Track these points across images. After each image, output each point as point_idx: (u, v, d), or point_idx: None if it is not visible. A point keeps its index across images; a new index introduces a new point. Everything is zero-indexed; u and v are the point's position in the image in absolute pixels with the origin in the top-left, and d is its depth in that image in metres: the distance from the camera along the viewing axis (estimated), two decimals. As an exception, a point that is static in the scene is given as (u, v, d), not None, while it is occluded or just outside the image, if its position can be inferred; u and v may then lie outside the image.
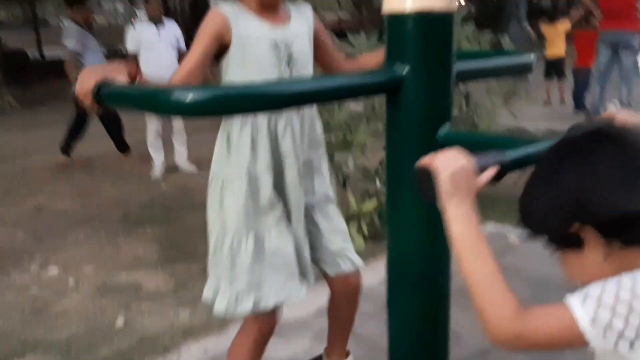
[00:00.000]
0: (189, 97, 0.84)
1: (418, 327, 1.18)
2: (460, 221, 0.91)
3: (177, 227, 4.32)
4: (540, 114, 7.35)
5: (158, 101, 0.87)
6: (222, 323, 2.88)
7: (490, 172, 0.94)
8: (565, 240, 0.89)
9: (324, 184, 1.62)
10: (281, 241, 1.50)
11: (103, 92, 0.99)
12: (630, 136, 0.89)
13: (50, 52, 17.43)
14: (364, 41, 3.72)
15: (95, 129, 6.61)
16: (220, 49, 1.43)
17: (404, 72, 0.98)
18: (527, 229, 0.94)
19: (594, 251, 0.88)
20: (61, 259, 3.90)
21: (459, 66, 1.10)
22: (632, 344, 0.81)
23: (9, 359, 2.71)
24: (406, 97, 0.99)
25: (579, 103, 7.21)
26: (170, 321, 2.95)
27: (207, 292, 1.60)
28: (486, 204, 4.36)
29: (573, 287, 0.91)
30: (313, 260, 1.64)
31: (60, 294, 3.39)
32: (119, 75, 1.05)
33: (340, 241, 1.62)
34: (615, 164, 0.86)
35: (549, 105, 7.95)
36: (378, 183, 3.52)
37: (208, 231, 1.64)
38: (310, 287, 1.66)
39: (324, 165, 1.63)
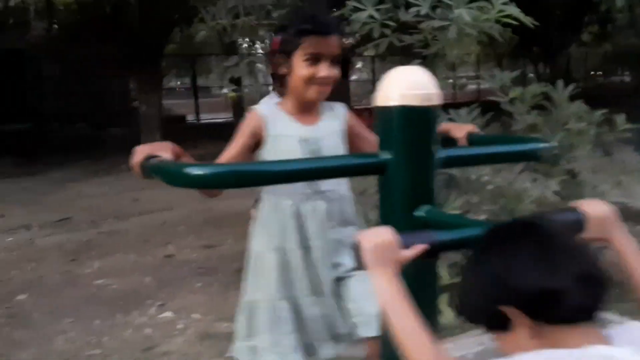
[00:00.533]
0: (198, 171, 1.08)
1: None
2: (383, 287, 1.02)
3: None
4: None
5: (176, 174, 1.12)
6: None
7: (415, 250, 1.04)
8: (494, 323, 0.97)
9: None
10: (312, 311, 1.65)
11: (144, 165, 1.26)
12: (549, 227, 0.98)
13: (206, 117, 19.33)
14: (465, 115, 3.82)
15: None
16: (257, 144, 1.67)
17: (389, 157, 1.14)
18: (462, 315, 1.03)
19: (521, 331, 0.95)
20: (176, 305, 4.32)
21: (452, 152, 1.22)
22: None
23: (114, 388, 3.08)
24: (390, 179, 1.14)
25: None
26: None
27: (235, 352, 1.76)
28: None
29: None
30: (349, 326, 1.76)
31: (168, 336, 3.77)
32: (164, 152, 1.32)
33: (372, 305, 1.73)
34: (532, 249, 0.95)
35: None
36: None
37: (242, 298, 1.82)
38: (343, 351, 1.78)
39: None
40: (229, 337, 3.66)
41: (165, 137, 12.42)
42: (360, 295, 1.71)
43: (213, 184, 1.09)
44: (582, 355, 0.90)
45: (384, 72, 1.19)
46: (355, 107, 7.74)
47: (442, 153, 1.18)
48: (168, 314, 4.15)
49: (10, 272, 5.33)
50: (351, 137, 1.75)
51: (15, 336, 3.89)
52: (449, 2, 3.56)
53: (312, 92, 1.63)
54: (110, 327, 3.97)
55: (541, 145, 1.49)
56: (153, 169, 1.24)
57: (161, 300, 4.42)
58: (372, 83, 23.67)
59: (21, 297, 4.66)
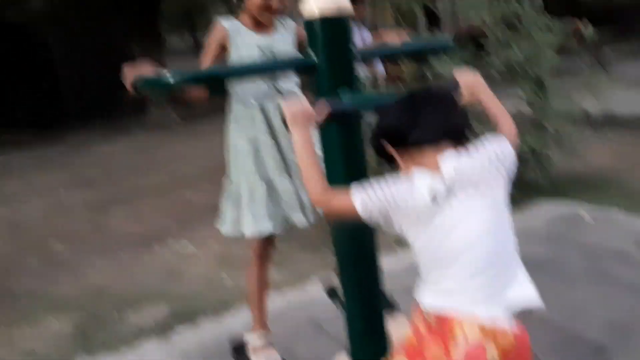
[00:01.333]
0: (174, 78, 1.44)
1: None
2: (297, 140, 1.36)
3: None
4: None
5: (158, 84, 1.48)
6: (302, 280, 3.50)
7: (323, 113, 1.38)
8: (384, 155, 1.35)
9: None
10: (284, 186, 2.02)
11: (135, 85, 1.61)
12: (422, 91, 1.34)
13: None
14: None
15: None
16: (223, 51, 2.01)
17: (316, 60, 1.48)
18: (375, 151, 1.39)
19: (399, 158, 1.33)
20: (196, 238, 4.77)
21: (368, 50, 1.57)
22: (386, 221, 1.25)
23: (147, 303, 3.55)
24: (319, 74, 1.49)
25: None
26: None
27: (218, 225, 2.15)
28: (564, 187, 4.51)
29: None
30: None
31: (189, 263, 4.24)
32: (146, 70, 1.66)
33: None
34: (403, 103, 1.32)
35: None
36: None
37: (227, 179, 2.18)
38: (311, 222, 2.15)
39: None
40: (242, 259, 4.13)
41: (173, 98, 12.81)
42: None
43: (186, 83, 1.47)
44: (415, 191, 1.27)
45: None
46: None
47: (359, 51, 1.52)
48: (188, 245, 4.60)
49: (44, 226, 5.83)
50: (300, 46, 2.08)
51: (54, 275, 4.38)
52: None
53: (264, 18, 1.99)
54: (137, 259, 4.44)
55: (444, 42, 1.85)
56: (142, 86, 1.59)
57: (182, 235, 4.88)
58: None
59: (55, 244, 5.15)
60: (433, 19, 5.60)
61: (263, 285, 2.17)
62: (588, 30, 5.69)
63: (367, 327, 1.70)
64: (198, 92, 1.93)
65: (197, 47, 21.23)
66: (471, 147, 1.35)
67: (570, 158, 4.37)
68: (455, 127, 1.35)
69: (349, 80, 1.48)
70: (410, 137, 1.30)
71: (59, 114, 14.17)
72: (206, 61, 2.02)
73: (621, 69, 10.43)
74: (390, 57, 2.14)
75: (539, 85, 4.08)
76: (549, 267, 3.18)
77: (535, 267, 3.07)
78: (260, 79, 1.93)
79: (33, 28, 16.46)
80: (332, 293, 2.36)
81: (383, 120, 1.35)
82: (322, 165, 1.43)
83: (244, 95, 2.00)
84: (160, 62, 12.96)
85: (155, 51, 12.66)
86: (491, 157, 1.32)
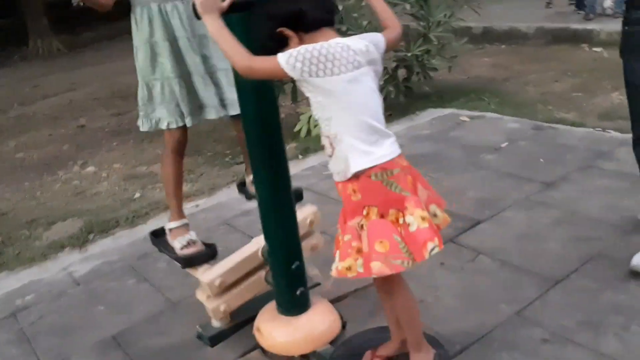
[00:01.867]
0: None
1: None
2: (211, 26, 1.53)
3: (192, 131, 5.10)
4: (544, 14, 7.61)
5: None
6: (210, 190, 3.71)
7: (226, 3, 1.56)
8: (277, 43, 1.55)
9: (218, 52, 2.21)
10: (179, 88, 2.17)
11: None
12: None
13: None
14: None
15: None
16: None
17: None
18: (262, 47, 1.58)
19: (294, 42, 1.54)
20: (97, 161, 4.79)
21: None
22: (311, 74, 1.48)
23: (57, 222, 3.61)
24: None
25: (579, 2, 7.43)
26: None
27: (138, 123, 2.29)
28: (448, 95, 4.95)
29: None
30: (222, 103, 2.30)
31: (94, 183, 4.29)
32: None
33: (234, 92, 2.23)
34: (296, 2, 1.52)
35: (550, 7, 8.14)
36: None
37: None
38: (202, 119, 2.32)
39: None
40: (150, 175, 4.26)
41: (53, 23, 12.02)
42: (226, 84, 2.23)
43: None
44: (328, 44, 1.50)
45: None
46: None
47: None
48: (91, 168, 4.62)
49: None
50: None
51: (-48, 205, 4.28)
52: None
53: None
54: (41, 185, 4.42)
55: None
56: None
57: (82, 160, 4.87)
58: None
59: (-53, 176, 4.96)
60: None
61: (178, 177, 2.34)
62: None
63: (278, 215, 1.95)
64: None
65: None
66: (363, 35, 1.60)
67: (452, 66, 4.77)
68: (334, 11, 1.61)
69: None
70: (312, 18, 1.52)
71: None
72: None
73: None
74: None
75: (424, -1, 4.39)
76: (432, 160, 3.59)
77: (420, 160, 3.53)
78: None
79: None
80: (241, 187, 2.58)
81: (278, 6, 1.54)
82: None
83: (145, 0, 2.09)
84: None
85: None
86: (376, 44, 1.57)
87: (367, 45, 1.55)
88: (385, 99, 4.46)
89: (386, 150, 1.58)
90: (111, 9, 2.13)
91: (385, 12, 1.72)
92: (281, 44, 1.54)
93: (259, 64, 1.51)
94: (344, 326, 2.15)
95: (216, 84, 2.24)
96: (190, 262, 2.23)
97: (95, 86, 8.00)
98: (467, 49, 6.36)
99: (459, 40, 4.67)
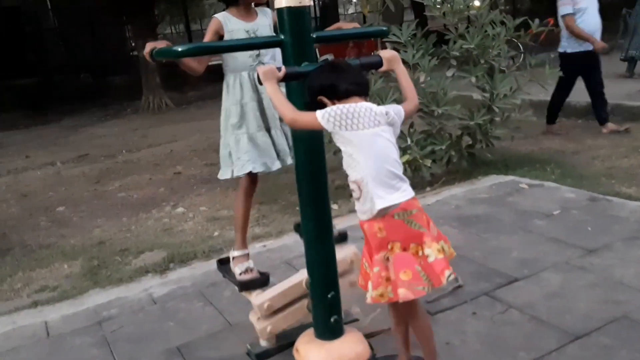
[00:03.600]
0: (182, 47, 2.04)
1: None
2: (269, 89, 1.94)
3: (270, 183, 5.60)
4: (625, 92, 7.65)
5: (169, 52, 2.07)
6: (278, 234, 4.11)
7: (281, 74, 1.97)
8: (318, 105, 1.95)
9: None
10: (263, 139, 2.59)
11: (152, 53, 2.20)
12: (341, 65, 1.95)
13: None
14: (405, 30, 4.70)
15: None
16: (220, 37, 2.57)
17: (283, 37, 2.07)
18: (309, 103, 1.98)
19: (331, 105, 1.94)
20: (187, 204, 5.36)
21: (322, 33, 2.19)
22: (341, 127, 1.86)
23: (145, 251, 4.13)
24: (285, 48, 2.08)
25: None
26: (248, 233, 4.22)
27: (219, 174, 2.74)
28: (513, 163, 5.14)
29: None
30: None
31: (181, 222, 4.82)
32: (162, 44, 2.23)
33: None
34: (329, 69, 1.92)
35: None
36: (409, 140, 4.51)
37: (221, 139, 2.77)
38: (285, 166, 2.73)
39: None
40: (228, 219, 4.74)
41: (164, 81, 13.30)
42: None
43: (190, 53, 2.07)
44: (355, 105, 1.88)
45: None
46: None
47: (315, 34, 2.12)
48: (180, 209, 5.19)
49: (48, 193, 6.38)
50: (275, 28, 2.64)
51: (62, 232, 4.95)
52: None
53: (246, 8, 2.57)
54: (136, 220, 5.02)
55: (380, 29, 2.46)
56: (157, 53, 2.18)
57: (174, 202, 5.46)
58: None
59: (60, 208, 5.71)
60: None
61: (246, 214, 2.74)
62: (557, 29, 6.35)
63: (319, 249, 2.30)
64: (194, 64, 2.50)
65: (188, 36, 21.70)
66: (387, 106, 1.98)
67: (517, 137, 5.00)
68: (367, 86, 1.99)
69: (306, 54, 2.07)
70: (343, 89, 1.92)
71: (51, 97, 14.60)
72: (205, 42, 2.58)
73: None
74: (341, 38, 2.76)
75: (490, 73, 4.70)
76: (484, 221, 3.81)
77: (473, 221, 3.76)
78: (246, 54, 2.51)
79: (27, 12, 16.85)
80: (297, 227, 2.95)
81: (318, 80, 1.95)
82: None
83: (236, 71, 2.57)
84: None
85: (148, 35, 13.13)
86: (396, 112, 1.95)
87: (387, 111, 1.92)
88: (447, 163, 4.75)
89: (404, 193, 1.92)
90: (202, 74, 2.64)
91: (407, 87, 2.09)
92: (322, 107, 1.95)
93: (301, 117, 1.92)
94: (373, 357, 2.42)
95: (286, 135, 2.67)
96: (246, 286, 2.60)
97: (194, 139, 8.80)
98: (541, 122, 6.55)
99: (523, 112, 4.91)
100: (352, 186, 1.98)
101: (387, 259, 1.95)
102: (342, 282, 2.44)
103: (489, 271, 3.11)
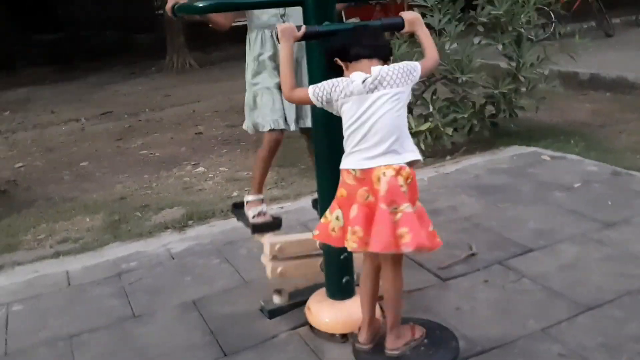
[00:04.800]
0: (202, 4, 2.04)
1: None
2: (283, 51, 1.96)
3: (291, 147, 5.60)
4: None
5: (191, 8, 2.08)
6: (296, 196, 4.14)
7: (300, 33, 1.97)
8: (336, 67, 1.95)
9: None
10: (273, 99, 2.59)
11: (175, 7, 2.20)
12: (360, 30, 1.94)
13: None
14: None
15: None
16: None
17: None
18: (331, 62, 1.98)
19: (345, 68, 1.93)
20: (207, 164, 5.40)
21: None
22: (329, 102, 1.90)
23: (165, 208, 4.20)
24: (306, 7, 2.07)
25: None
26: (267, 195, 4.25)
27: (244, 126, 2.76)
28: (537, 135, 5.07)
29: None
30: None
31: (201, 181, 4.88)
32: (184, 0, 2.23)
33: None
34: (344, 34, 1.91)
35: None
36: (431, 108, 4.46)
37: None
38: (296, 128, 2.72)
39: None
40: (247, 180, 4.78)
41: (188, 41, 13.26)
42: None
43: (212, 9, 2.09)
44: (340, 80, 1.91)
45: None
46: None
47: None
48: (201, 169, 5.24)
49: (72, 148, 6.49)
50: None
51: (84, 186, 5.05)
52: None
53: None
54: (157, 178, 5.09)
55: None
56: (179, 8, 2.19)
57: (195, 161, 5.51)
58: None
59: (84, 163, 5.81)
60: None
61: (266, 167, 2.77)
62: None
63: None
64: (221, 19, 2.50)
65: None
66: (395, 64, 1.96)
67: (539, 107, 4.92)
68: (382, 48, 1.99)
69: (327, 14, 2.06)
70: (352, 52, 1.92)
71: (78, 53, 14.67)
72: None
73: (624, 36, 10.81)
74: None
75: (518, 41, 4.60)
76: (503, 191, 3.79)
77: (491, 190, 3.74)
78: (271, 14, 2.49)
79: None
80: (314, 204, 2.99)
81: (335, 42, 1.97)
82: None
83: (258, 27, 2.56)
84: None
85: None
86: (404, 70, 1.93)
87: (379, 71, 1.91)
88: (469, 132, 4.70)
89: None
90: (228, 30, 2.63)
91: (429, 47, 2.07)
92: (338, 67, 1.95)
93: (296, 94, 2.01)
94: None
95: None
96: (259, 228, 2.67)
97: (216, 100, 8.81)
98: (568, 94, 6.43)
99: (550, 82, 4.81)
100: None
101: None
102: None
103: (504, 240, 3.11)
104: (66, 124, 8.08)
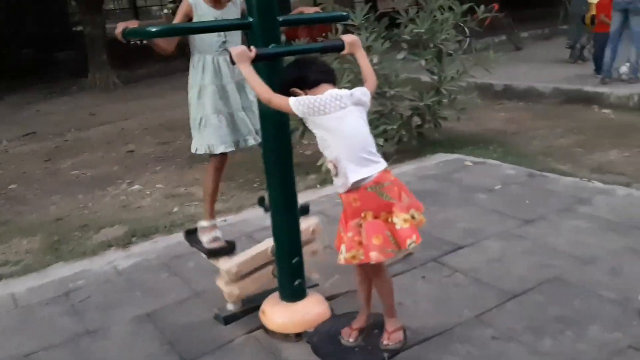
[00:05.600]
0: (155, 28, 2.15)
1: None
2: (244, 70, 2.11)
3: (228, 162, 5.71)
4: (563, 76, 8.09)
5: (143, 32, 2.19)
6: (238, 209, 4.27)
7: (253, 54, 2.13)
8: (291, 94, 2.13)
9: (250, 95, 2.79)
10: (218, 123, 2.73)
11: (124, 32, 2.30)
12: (308, 60, 2.14)
13: (149, 39, 19.60)
14: (358, 12, 4.88)
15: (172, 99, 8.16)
16: (189, 19, 2.68)
17: (252, 20, 2.22)
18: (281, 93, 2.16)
19: (304, 94, 2.12)
20: (143, 181, 5.42)
21: (286, 17, 2.35)
22: (310, 114, 2.06)
23: (106, 227, 4.21)
24: (254, 30, 2.23)
25: (598, 65, 7.90)
26: (207, 209, 4.34)
27: (193, 148, 2.88)
28: (458, 143, 5.44)
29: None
30: (256, 132, 2.85)
31: (139, 199, 4.90)
32: (133, 24, 2.33)
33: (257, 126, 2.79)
34: (296, 64, 2.11)
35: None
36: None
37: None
38: (245, 146, 2.88)
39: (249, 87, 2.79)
40: (187, 195, 4.86)
41: (111, 58, 13.04)
42: (256, 118, 2.79)
43: (162, 34, 2.20)
44: (322, 96, 2.07)
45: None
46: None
47: (281, 18, 2.27)
48: (137, 187, 5.25)
49: (-2, 171, 6.30)
50: (242, 16, 2.77)
51: (16, 209, 4.94)
52: None
53: None
54: (92, 197, 5.06)
55: (340, 14, 2.65)
56: (129, 33, 2.28)
57: (129, 179, 5.51)
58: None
59: (12, 186, 5.67)
60: None
61: (215, 188, 2.88)
62: (501, 14, 6.69)
63: (285, 217, 2.48)
64: (164, 43, 2.61)
65: (135, 13, 21.21)
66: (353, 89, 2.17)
67: (461, 117, 5.30)
68: (333, 72, 2.20)
69: (273, 36, 2.23)
70: (311, 79, 2.11)
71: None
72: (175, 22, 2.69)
73: (532, 49, 11.64)
74: (305, 22, 2.92)
75: (438, 57, 4.96)
76: (432, 195, 4.07)
77: (422, 195, 4.01)
78: (213, 38, 2.62)
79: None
80: (260, 201, 3.12)
81: (290, 73, 2.16)
82: None
83: (202, 53, 2.69)
84: (101, 21, 13.13)
85: (94, 11, 12.81)
86: (362, 93, 2.14)
87: (352, 92, 2.12)
88: (398, 142, 4.99)
89: (375, 166, 2.13)
90: (171, 54, 2.74)
91: (368, 69, 2.29)
92: (293, 94, 2.13)
93: (276, 100, 2.12)
94: (333, 316, 2.63)
95: (250, 117, 2.80)
96: (214, 253, 2.77)
97: (145, 117, 8.77)
98: (485, 104, 6.90)
99: (468, 94, 5.20)
100: (329, 165, 2.17)
101: (360, 225, 2.15)
102: (305, 250, 2.63)
103: (437, 240, 3.37)
104: (-14, 146, 7.80)
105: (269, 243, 2.70)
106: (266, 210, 2.99)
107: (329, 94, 2.11)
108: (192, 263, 3.38)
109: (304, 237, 2.64)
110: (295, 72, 2.16)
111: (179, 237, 3.80)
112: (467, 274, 2.98)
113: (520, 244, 3.25)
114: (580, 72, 8.24)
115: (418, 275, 3.01)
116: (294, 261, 2.51)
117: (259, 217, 3.56)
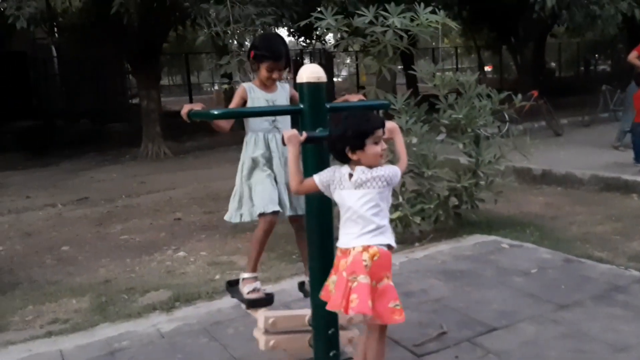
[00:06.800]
0: (216, 111, 2.41)
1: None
2: (291, 153, 2.33)
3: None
4: (603, 163, 8.14)
5: (205, 114, 2.45)
6: (276, 279, 4.41)
7: (303, 138, 2.36)
8: (344, 157, 2.32)
9: None
10: (270, 186, 2.95)
11: (189, 114, 2.58)
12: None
13: (199, 113, 20.52)
14: (400, 98, 5.15)
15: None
16: (244, 103, 2.97)
17: (302, 106, 2.46)
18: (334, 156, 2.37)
19: (354, 157, 2.30)
20: (187, 248, 5.64)
21: (332, 104, 2.58)
22: (328, 189, 2.28)
23: (151, 291, 4.40)
24: (304, 117, 2.47)
25: (638, 154, 7.94)
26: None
27: (229, 218, 3.10)
28: (496, 224, 5.51)
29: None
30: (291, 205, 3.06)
31: (184, 265, 5.11)
32: (198, 106, 2.62)
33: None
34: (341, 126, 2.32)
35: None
36: (400, 198, 4.88)
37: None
38: (287, 215, 3.07)
39: None
40: (229, 263, 5.04)
41: (164, 130, 13.72)
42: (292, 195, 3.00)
43: (224, 117, 2.47)
44: (340, 172, 2.30)
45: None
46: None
47: (328, 105, 2.51)
48: (182, 253, 5.48)
49: (51, 233, 6.64)
50: (292, 100, 3.06)
51: (68, 270, 5.20)
52: (386, 14, 4.84)
53: (269, 82, 2.99)
54: (139, 262, 5.30)
55: (382, 103, 2.87)
56: (194, 114, 2.56)
57: (175, 246, 5.75)
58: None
59: (65, 247, 5.97)
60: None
61: (262, 245, 3.07)
62: (540, 101, 6.91)
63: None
64: (224, 123, 2.90)
65: (189, 88, 22.37)
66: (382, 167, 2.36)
67: (500, 201, 5.40)
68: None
69: (321, 121, 2.46)
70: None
71: (52, 141, 14.91)
72: (232, 106, 2.99)
73: (571, 135, 11.74)
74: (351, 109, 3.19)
75: (476, 141, 5.14)
76: (468, 276, 4.14)
77: (458, 275, 4.09)
78: (265, 118, 2.90)
79: (33, 58, 17.37)
80: (300, 286, 3.29)
81: (347, 132, 2.30)
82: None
83: (254, 131, 2.98)
84: (157, 96, 13.93)
85: (152, 86, 13.62)
86: (387, 175, 2.32)
87: (366, 175, 2.31)
88: (435, 221, 5.11)
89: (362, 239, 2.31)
90: (228, 132, 3.02)
91: (402, 152, 2.49)
92: (346, 158, 2.34)
93: (304, 186, 2.38)
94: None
95: (288, 193, 3.03)
96: (254, 303, 2.93)
97: (192, 187, 9.13)
98: (523, 188, 6.99)
99: (506, 177, 5.32)
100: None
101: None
102: (341, 336, 2.74)
103: (471, 320, 3.43)
104: (42, 209, 8.22)
105: (307, 312, 2.82)
106: (306, 295, 3.14)
107: (345, 171, 2.32)
108: (231, 329, 3.51)
109: (341, 320, 2.75)
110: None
111: (220, 303, 3.99)
112: (500, 356, 3.01)
113: (554, 328, 3.28)
114: (619, 160, 8.28)
115: (451, 355, 3.06)
116: (330, 332, 2.62)
117: (296, 288, 3.70)
